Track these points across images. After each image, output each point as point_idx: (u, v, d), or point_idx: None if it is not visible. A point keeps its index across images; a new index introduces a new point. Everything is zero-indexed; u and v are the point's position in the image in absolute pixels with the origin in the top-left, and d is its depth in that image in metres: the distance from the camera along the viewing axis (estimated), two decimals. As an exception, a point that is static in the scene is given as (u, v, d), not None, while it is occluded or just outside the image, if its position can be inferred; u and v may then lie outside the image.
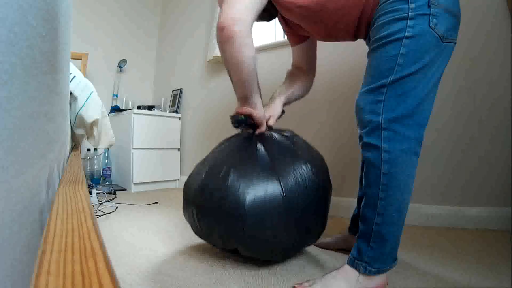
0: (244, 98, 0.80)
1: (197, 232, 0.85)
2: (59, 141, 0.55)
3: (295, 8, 0.78)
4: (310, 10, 0.76)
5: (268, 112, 0.91)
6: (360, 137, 0.71)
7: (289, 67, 1.05)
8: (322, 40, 0.95)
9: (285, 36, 1.21)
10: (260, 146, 0.82)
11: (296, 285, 0.70)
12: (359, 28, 0.78)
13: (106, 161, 2.22)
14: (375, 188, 0.67)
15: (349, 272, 0.69)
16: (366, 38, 0.81)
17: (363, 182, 0.72)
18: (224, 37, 0.70)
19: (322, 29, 0.82)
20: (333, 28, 0.80)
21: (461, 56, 1.19)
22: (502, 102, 1.16)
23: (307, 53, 1.01)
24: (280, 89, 0.99)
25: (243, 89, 0.78)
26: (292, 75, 1.02)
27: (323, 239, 0.96)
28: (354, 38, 0.84)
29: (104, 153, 2.21)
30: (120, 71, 2.54)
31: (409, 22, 0.64)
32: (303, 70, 1.02)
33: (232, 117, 0.84)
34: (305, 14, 0.78)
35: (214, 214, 0.75)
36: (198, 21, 2.38)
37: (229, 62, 0.74)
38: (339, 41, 0.88)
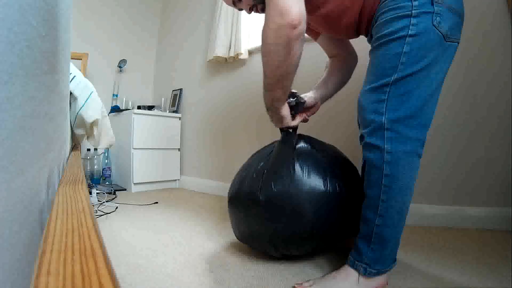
0: (284, 100, 0.79)
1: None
2: (59, 141, 0.55)
3: None
4: (312, 2, 0.76)
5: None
6: (362, 137, 0.71)
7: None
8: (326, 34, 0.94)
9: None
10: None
11: (296, 285, 0.71)
12: (360, 24, 0.77)
13: (106, 161, 2.22)
14: (376, 190, 0.67)
15: (349, 273, 0.69)
16: (368, 35, 0.81)
17: (364, 183, 0.71)
18: (296, 35, 0.65)
19: (324, 23, 0.82)
20: (335, 22, 0.79)
21: (460, 56, 1.18)
22: (501, 101, 1.16)
23: (332, 39, 0.98)
24: (317, 88, 0.97)
25: (287, 91, 0.77)
26: (330, 67, 0.99)
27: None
28: (356, 34, 0.83)
29: (104, 153, 2.21)
30: (120, 71, 2.54)
31: (413, 20, 0.62)
32: (339, 57, 0.99)
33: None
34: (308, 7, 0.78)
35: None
36: (198, 21, 2.38)
37: (293, 60, 0.69)
38: (342, 37, 0.88)
